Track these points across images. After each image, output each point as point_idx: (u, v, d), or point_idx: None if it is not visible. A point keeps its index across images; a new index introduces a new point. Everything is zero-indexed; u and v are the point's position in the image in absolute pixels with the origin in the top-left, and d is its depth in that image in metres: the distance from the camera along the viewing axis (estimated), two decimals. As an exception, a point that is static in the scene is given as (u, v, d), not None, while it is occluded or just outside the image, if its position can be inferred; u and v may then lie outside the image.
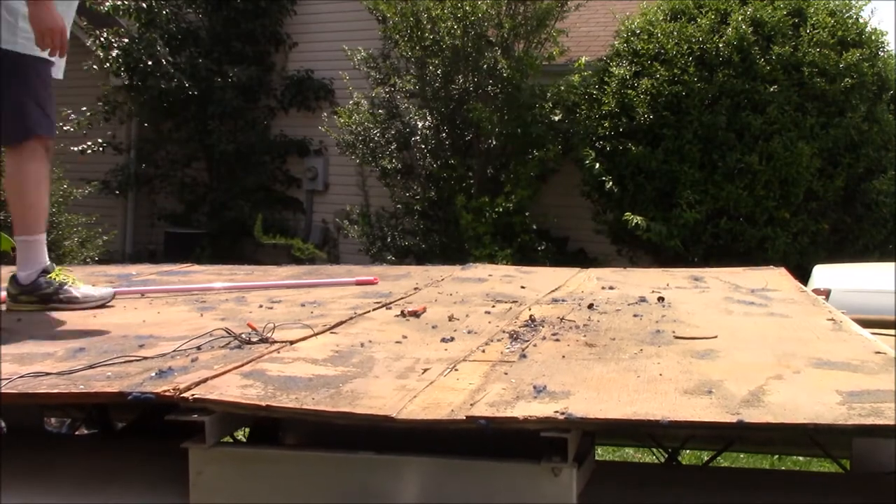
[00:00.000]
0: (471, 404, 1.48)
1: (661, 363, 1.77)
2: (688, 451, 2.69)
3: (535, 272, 3.68)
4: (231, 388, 1.58)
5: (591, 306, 2.56)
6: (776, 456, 4.01)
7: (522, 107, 9.58)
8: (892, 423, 1.33)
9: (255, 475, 1.49)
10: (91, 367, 1.77)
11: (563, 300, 2.73)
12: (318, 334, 2.14)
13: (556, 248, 9.98)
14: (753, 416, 1.37)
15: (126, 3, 11.59)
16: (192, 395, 1.51)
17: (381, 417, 1.43)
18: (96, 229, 10.02)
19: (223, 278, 3.37)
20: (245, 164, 11.89)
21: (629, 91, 8.81)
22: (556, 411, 1.39)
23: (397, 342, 2.06)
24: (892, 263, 6.29)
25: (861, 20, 8.88)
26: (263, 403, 1.50)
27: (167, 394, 1.53)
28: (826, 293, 5.35)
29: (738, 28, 8.40)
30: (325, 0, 12.08)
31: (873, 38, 8.77)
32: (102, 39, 11.59)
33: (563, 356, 1.87)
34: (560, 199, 10.08)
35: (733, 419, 1.36)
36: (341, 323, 2.31)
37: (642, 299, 2.68)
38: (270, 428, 1.95)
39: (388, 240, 10.35)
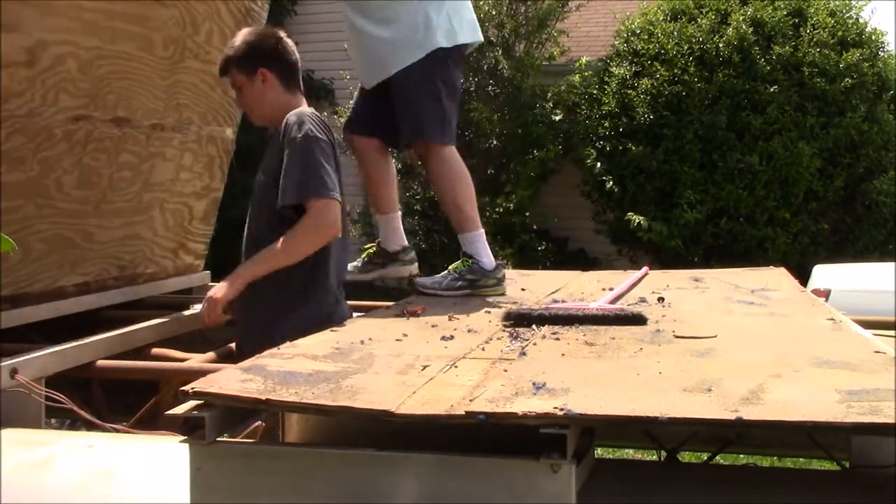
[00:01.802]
0: (470, 400, 1.48)
1: (660, 362, 1.77)
2: (687, 453, 2.69)
3: (535, 275, 3.70)
4: (231, 383, 1.58)
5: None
6: (776, 458, 4.01)
7: (523, 107, 9.59)
8: (891, 421, 1.33)
9: (254, 471, 1.49)
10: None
11: (562, 301, 2.74)
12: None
13: (557, 248, 9.99)
14: (752, 413, 1.37)
15: None
16: (192, 388, 1.51)
17: (380, 412, 1.43)
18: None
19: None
20: (245, 164, 11.90)
21: (629, 91, 8.82)
22: (556, 407, 1.39)
23: (397, 340, 2.06)
24: (892, 263, 6.29)
25: (861, 20, 8.91)
26: (263, 397, 1.50)
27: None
28: (826, 293, 5.36)
29: (738, 28, 8.41)
30: (325, 0, 12.09)
31: (873, 38, 8.80)
32: (103, 39, 11.59)
33: (563, 354, 1.88)
34: (560, 199, 10.09)
35: (732, 416, 1.36)
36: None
37: (642, 300, 2.69)
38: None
39: (388, 240, 10.33)
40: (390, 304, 2.79)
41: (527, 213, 9.63)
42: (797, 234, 8.43)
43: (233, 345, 2.97)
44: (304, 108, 2.64)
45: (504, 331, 2.19)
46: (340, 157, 2.69)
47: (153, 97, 3.23)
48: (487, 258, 3.02)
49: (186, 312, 3.33)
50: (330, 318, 2.49)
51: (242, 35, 2.76)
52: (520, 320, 2.24)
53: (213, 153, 3.84)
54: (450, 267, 3.07)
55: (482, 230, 3.10)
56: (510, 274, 3.66)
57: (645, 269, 3.37)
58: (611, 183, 8.92)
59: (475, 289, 2.97)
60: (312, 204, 2.49)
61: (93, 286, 3.26)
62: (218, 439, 1.53)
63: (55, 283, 3.04)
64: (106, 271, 3.32)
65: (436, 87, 2.98)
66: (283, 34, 2.79)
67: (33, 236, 2.82)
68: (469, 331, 2.20)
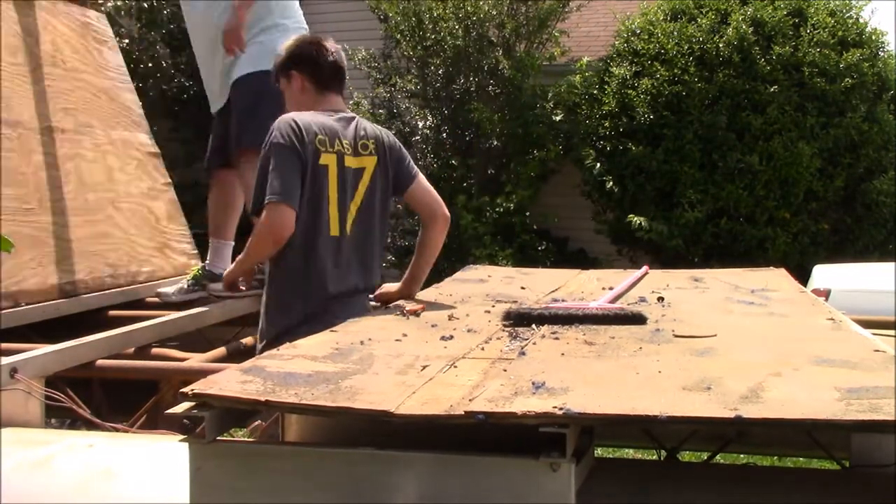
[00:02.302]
0: (469, 400, 1.48)
1: (660, 361, 1.77)
2: (687, 452, 2.69)
3: (535, 273, 3.69)
4: (231, 384, 1.58)
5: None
6: (776, 458, 4.01)
7: (523, 107, 9.59)
8: (890, 418, 1.33)
9: (254, 470, 1.49)
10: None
11: (562, 300, 2.73)
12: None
13: (557, 248, 9.99)
14: (752, 411, 1.37)
15: (126, 3, 11.58)
16: (192, 390, 1.51)
17: (379, 412, 1.43)
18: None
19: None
20: (245, 164, 11.89)
21: (629, 91, 8.82)
22: (555, 406, 1.39)
23: (397, 340, 2.06)
24: (892, 263, 6.29)
25: (861, 20, 8.90)
26: (263, 398, 1.50)
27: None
28: (826, 293, 5.36)
29: (738, 28, 8.41)
30: (326, 0, 12.09)
31: (873, 38, 8.79)
32: (103, 40, 11.59)
33: (563, 354, 1.88)
34: (560, 199, 10.09)
35: (731, 414, 1.36)
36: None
37: (642, 299, 2.69)
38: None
39: (388, 240, 10.35)
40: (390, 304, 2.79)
41: (527, 213, 9.63)
42: (797, 234, 8.42)
43: (233, 345, 2.99)
44: (289, 115, 2.71)
45: (503, 330, 2.19)
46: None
47: (31, 102, 3.38)
48: (222, 264, 3.60)
49: (186, 312, 3.34)
50: (303, 325, 2.47)
51: (287, 43, 2.92)
52: (519, 320, 2.25)
53: (137, 156, 3.99)
54: (188, 275, 3.68)
55: (231, 242, 3.72)
56: (510, 272, 3.66)
57: (645, 268, 3.37)
58: (611, 183, 8.92)
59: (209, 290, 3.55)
60: (264, 211, 2.55)
61: (90, 283, 3.32)
62: (218, 438, 1.54)
63: (46, 280, 3.11)
64: (96, 269, 3.41)
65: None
66: (326, 40, 2.89)
67: None
68: (468, 331, 2.19)
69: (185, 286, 3.60)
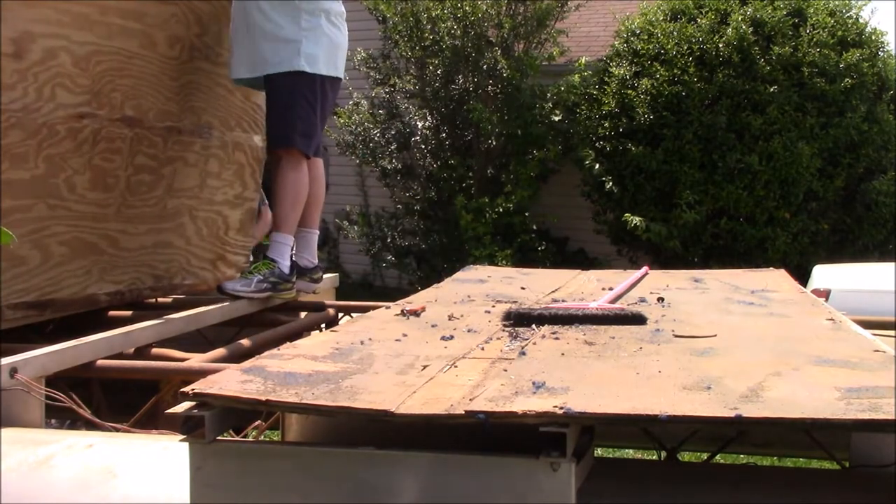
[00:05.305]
0: (470, 399, 1.48)
1: (660, 360, 1.78)
2: (687, 453, 2.69)
3: (535, 273, 3.68)
4: (231, 383, 1.58)
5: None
6: (776, 458, 4.02)
7: (522, 107, 9.60)
8: (890, 417, 1.33)
9: (255, 470, 1.49)
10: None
11: (562, 300, 2.74)
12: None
13: (556, 249, 10.01)
14: (752, 410, 1.37)
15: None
16: (192, 389, 1.51)
17: (380, 412, 1.43)
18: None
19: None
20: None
21: (629, 91, 8.83)
22: (555, 406, 1.39)
23: (397, 340, 2.06)
24: (892, 263, 6.30)
25: (861, 20, 8.92)
26: (263, 398, 1.50)
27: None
28: (826, 293, 5.36)
29: (738, 28, 8.42)
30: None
31: (873, 38, 8.81)
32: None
33: (563, 354, 1.88)
34: (560, 199, 10.10)
35: (731, 414, 1.36)
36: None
37: (642, 300, 2.69)
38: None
39: (388, 240, 10.37)
40: (390, 304, 2.79)
41: (527, 213, 9.64)
42: (797, 234, 8.43)
43: (233, 346, 2.99)
44: None
45: (504, 330, 2.19)
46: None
47: (164, 98, 3.21)
48: (287, 262, 3.39)
49: (186, 312, 3.33)
50: None
51: None
52: (519, 320, 2.25)
53: (241, 161, 3.77)
54: (252, 269, 3.39)
55: (292, 237, 3.44)
56: (510, 272, 3.66)
57: (645, 268, 3.37)
58: (610, 183, 8.93)
59: (276, 291, 3.32)
60: None
61: (126, 295, 3.22)
62: (218, 438, 1.54)
63: (84, 290, 3.00)
64: (140, 280, 3.26)
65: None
66: None
67: (51, 238, 2.80)
68: (469, 331, 2.19)
69: (256, 280, 3.36)
